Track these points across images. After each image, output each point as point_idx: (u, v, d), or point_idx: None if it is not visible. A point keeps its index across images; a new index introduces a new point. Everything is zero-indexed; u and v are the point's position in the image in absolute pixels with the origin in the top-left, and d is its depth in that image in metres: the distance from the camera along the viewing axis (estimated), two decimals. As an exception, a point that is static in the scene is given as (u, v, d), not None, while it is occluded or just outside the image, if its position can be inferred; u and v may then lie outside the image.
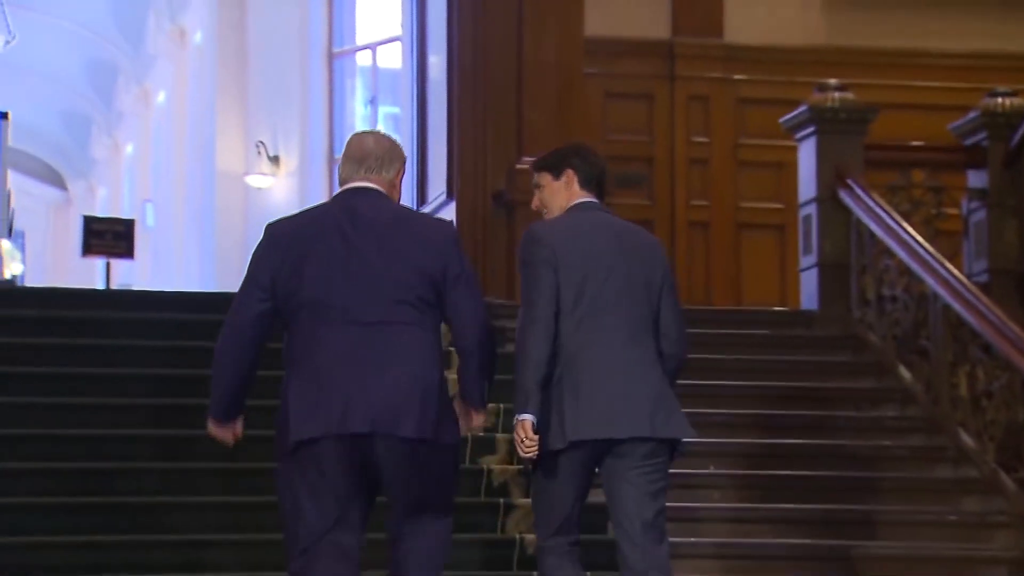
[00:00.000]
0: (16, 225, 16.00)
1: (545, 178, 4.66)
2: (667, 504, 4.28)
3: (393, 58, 12.13)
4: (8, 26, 16.66)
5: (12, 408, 6.21)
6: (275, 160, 13.67)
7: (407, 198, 7.51)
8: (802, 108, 7.92)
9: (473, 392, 4.33)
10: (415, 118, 9.29)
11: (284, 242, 4.25)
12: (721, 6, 9.38)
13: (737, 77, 9.40)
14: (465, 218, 8.55)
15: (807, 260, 7.96)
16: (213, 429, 4.36)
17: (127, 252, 11.30)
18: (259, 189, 13.78)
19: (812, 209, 7.88)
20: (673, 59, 9.33)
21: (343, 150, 4.43)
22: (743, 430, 6.83)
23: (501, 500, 6.01)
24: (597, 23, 8.83)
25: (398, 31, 11.71)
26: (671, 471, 4.56)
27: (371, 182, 4.32)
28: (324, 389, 4.11)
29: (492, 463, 6.20)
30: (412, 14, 9.48)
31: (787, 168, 8.74)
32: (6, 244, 12.95)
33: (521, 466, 5.97)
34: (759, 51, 9.40)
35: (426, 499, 4.20)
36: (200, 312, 7.10)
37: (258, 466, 5.66)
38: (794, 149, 8.15)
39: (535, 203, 4.71)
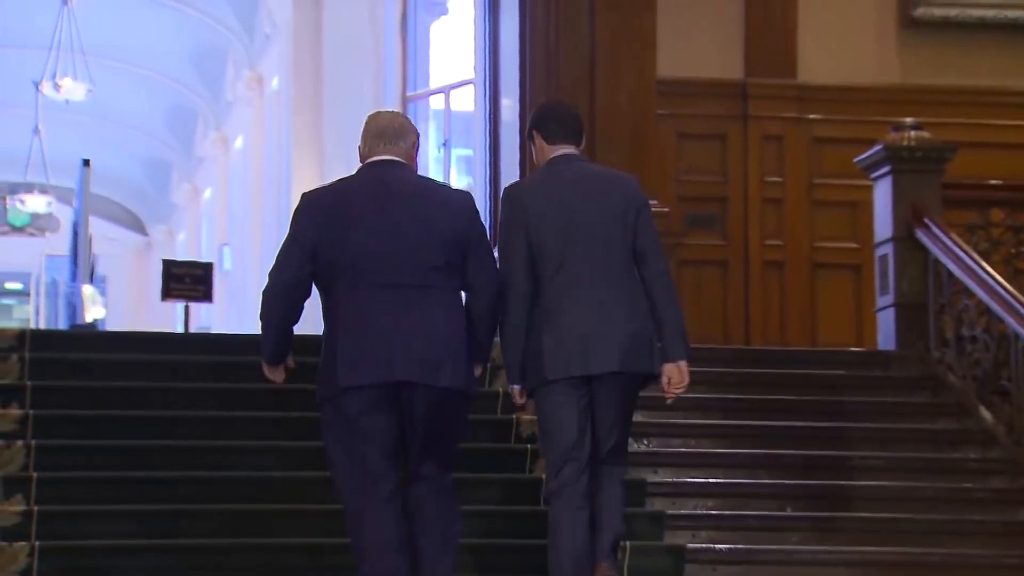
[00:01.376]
0: (98, 270, 16.22)
1: (534, 135, 5.16)
2: (746, 547, 4.99)
3: (466, 101, 12.18)
4: (89, 74, 16.95)
5: (93, 451, 6.24)
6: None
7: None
8: (878, 147, 7.85)
9: (481, 349, 4.91)
10: (488, 160, 9.31)
11: (325, 210, 4.72)
12: (794, 46, 9.33)
13: (811, 117, 9.32)
14: (539, 260, 8.52)
15: (884, 300, 7.87)
16: (267, 370, 4.97)
17: (205, 296, 11.38)
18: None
19: (889, 249, 7.80)
20: (746, 99, 9.27)
21: (363, 129, 4.93)
22: (820, 472, 6.77)
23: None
24: (670, 64, 8.83)
25: (471, 74, 11.76)
26: (755, 512, 5.63)
27: (392, 153, 4.81)
28: (369, 344, 4.61)
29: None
30: (485, 58, 9.51)
31: (863, 207, 8.65)
32: (88, 289, 13.09)
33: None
34: (833, 90, 9.33)
35: (442, 445, 4.75)
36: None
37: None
38: (869, 188, 8.07)
39: (535, 158, 5.20)
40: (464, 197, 4.91)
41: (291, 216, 4.83)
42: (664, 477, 6.60)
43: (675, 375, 5.02)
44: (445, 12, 13.25)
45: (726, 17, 9.21)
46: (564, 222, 4.90)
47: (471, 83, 11.64)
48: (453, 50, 12.78)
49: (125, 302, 24.70)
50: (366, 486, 4.66)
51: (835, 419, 7.17)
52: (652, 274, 4.96)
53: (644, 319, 4.95)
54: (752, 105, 9.27)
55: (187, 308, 11.62)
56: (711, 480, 6.62)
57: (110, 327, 17.67)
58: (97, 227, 18.21)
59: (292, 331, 4.84)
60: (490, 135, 9.31)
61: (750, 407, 7.26)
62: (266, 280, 4.86)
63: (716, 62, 9.19)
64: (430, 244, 4.68)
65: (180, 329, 12.66)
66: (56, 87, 16.98)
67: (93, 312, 13.35)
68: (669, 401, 5.23)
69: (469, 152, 12.06)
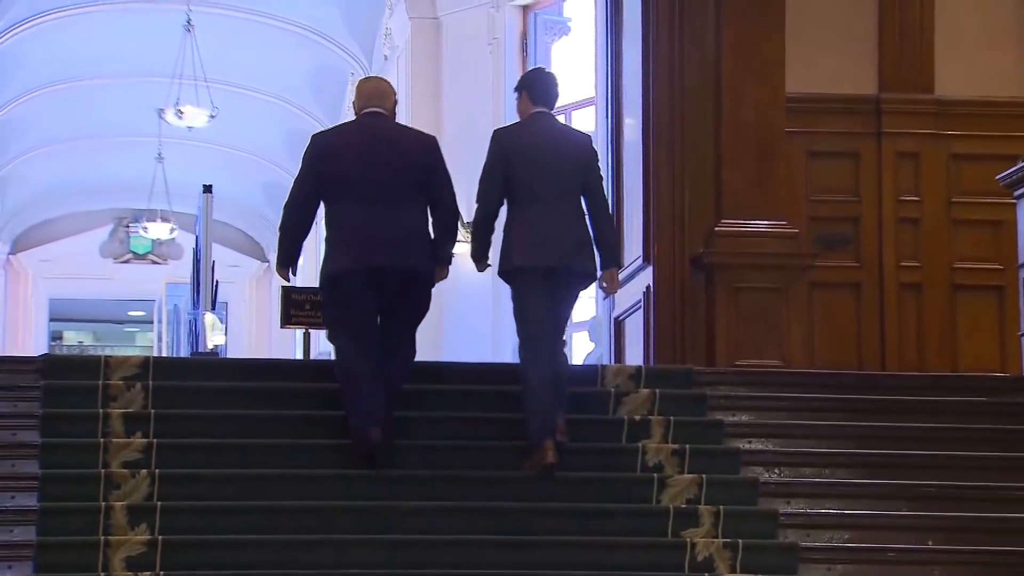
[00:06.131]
0: (219, 297, 16.33)
1: (518, 95, 6.88)
2: None
3: (588, 120, 12.07)
4: (211, 100, 17.11)
5: (215, 479, 6.30)
6: (469, 227, 13.65)
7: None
8: (1021, 164, 7.61)
9: (445, 253, 6.71)
10: (611, 181, 9.17)
11: (327, 146, 6.61)
12: (931, 60, 9.07)
13: (949, 132, 9.05)
14: (663, 283, 8.38)
15: (1029, 323, 7.65)
16: (280, 272, 6.77)
17: (325, 322, 11.35)
18: (453, 254, 13.74)
19: (1034, 269, 7.59)
20: (880, 115, 9.01)
21: (356, 89, 6.78)
22: (963, 503, 6.62)
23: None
24: (799, 80, 8.64)
25: (592, 93, 11.65)
26: (894, 545, 6.03)
27: (379, 107, 6.66)
28: (357, 241, 6.42)
29: (696, 536, 6.17)
30: (607, 76, 9.42)
31: (1006, 227, 8.41)
32: (209, 316, 13.18)
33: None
34: (973, 105, 9.05)
35: (409, 318, 6.60)
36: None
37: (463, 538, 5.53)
38: (1012, 207, 7.84)
39: (518, 111, 6.91)
40: (430, 138, 6.80)
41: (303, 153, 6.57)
42: (797, 508, 6.54)
43: (609, 278, 6.84)
44: (567, 32, 13.20)
45: (858, 30, 9.00)
46: (536, 156, 6.60)
47: (593, 103, 11.55)
48: (575, 69, 12.70)
49: (246, 328, 24.89)
50: (353, 337, 6.43)
51: (978, 448, 6.99)
52: (596, 205, 6.71)
53: (588, 233, 6.64)
54: (886, 121, 9.03)
55: (307, 334, 11.60)
56: (847, 511, 6.51)
57: (231, 354, 17.75)
58: (218, 253, 18.32)
59: (302, 241, 6.66)
60: (613, 155, 9.20)
61: (887, 435, 7.11)
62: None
63: (848, 77, 8.99)
64: (403, 170, 6.48)
65: (300, 356, 12.65)
66: (179, 114, 17.16)
67: (214, 339, 13.43)
68: (604, 299, 7.11)
69: (591, 173, 11.91)
